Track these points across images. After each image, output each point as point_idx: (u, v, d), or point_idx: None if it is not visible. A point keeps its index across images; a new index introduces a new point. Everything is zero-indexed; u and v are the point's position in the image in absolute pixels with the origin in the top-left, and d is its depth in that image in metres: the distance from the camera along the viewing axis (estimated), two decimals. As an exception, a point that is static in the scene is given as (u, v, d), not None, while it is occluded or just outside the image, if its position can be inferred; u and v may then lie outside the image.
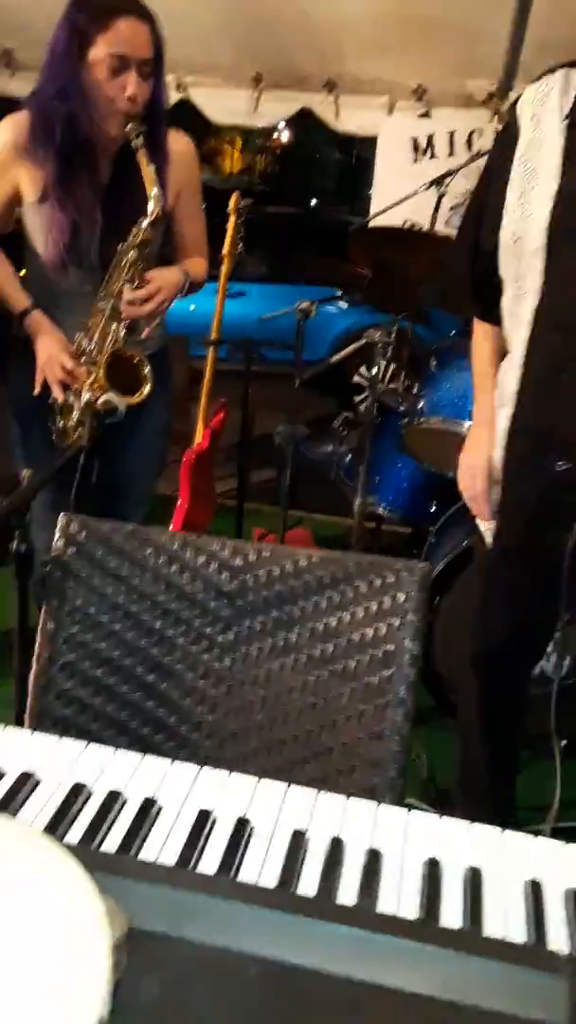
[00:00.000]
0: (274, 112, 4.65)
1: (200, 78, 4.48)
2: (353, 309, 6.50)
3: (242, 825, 0.78)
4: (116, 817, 0.79)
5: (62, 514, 1.14)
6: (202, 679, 1.14)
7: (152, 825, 0.78)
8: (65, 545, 1.14)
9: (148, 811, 0.79)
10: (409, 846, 0.78)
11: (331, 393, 6.61)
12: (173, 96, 4.47)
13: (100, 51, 1.69)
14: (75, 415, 1.89)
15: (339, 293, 3.01)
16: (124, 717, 1.14)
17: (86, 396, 1.83)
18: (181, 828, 0.78)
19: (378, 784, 1.09)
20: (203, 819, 0.78)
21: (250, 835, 0.78)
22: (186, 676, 1.14)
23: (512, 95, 4.10)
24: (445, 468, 2.68)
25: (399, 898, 0.72)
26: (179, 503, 3.04)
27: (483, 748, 1.83)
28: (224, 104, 4.63)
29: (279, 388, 3.75)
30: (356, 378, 6.89)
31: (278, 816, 0.80)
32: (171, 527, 3.07)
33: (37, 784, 0.84)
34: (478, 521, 1.72)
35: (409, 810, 0.84)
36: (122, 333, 1.85)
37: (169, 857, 0.74)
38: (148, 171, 1.73)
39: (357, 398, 6.62)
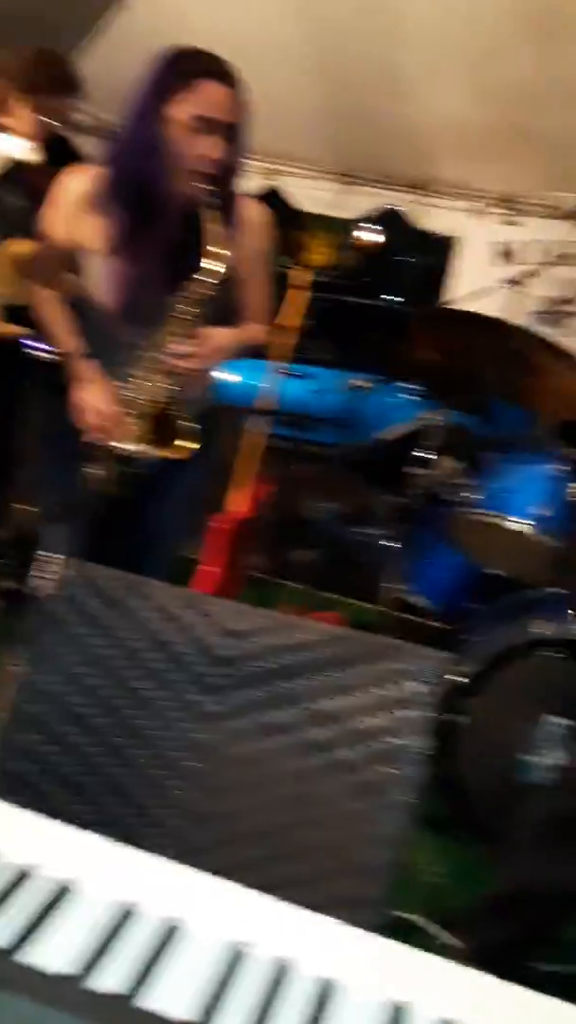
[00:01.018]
0: (360, 206, 4.75)
1: (290, 167, 4.62)
2: (419, 403, 6.47)
3: (170, 931, 0.65)
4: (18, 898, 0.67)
5: (56, 557, 1.08)
6: (181, 751, 1.04)
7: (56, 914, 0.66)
8: (55, 589, 1.06)
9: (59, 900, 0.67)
10: (379, 983, 0.64)
11: (383, 484, 6.52)
12: (262, 183, 4.63)
13: (182, 110, 1.71)
14: (107, 462, 1.86)
15: (396, 380, 2.97)
16: (89, 783, 1.04)
17: (120, 444, 1.80)
18: (93, 924, 0.65)
19: (361, 896, 0.96)
20: (123, 916, 0.66)
21: (173, 943, 0.65)
22: (164, 746, 1.04)
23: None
24: (490, 563, 2.56)
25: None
26: (202, 569, 2.96)
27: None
28: (310, 194, 4.75)
29: (327, 470, 3.70)
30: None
31: (218, 923, 0.68)
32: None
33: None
34: None
35: (388, 935, 0.71)
36: (165, 387, 1.83)
37: (69, 961, 0.61)
38: (212, 230, 1.72)
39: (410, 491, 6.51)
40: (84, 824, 0.96)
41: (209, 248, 1.73)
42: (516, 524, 2.37)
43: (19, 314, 2.62)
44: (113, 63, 4.08)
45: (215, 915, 0.69)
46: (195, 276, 1.77)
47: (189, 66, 1.72)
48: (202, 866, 0.94)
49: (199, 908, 0.70)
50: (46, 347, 3.10)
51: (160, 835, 1.02)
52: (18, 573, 1.12)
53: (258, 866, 0.99)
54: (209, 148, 1.72)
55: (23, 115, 2.46)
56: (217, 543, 2.94)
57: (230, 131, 1.75)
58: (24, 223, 2.62)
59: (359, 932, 0.73)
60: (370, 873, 0.97)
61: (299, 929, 0.72)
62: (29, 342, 3.11)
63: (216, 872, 0.94)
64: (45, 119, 2.45)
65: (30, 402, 2.68)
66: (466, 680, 2.26)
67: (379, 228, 4.46)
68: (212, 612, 1.07)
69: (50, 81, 2.44)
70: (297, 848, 1.00)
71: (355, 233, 4.04)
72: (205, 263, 1.75)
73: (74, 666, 1.06)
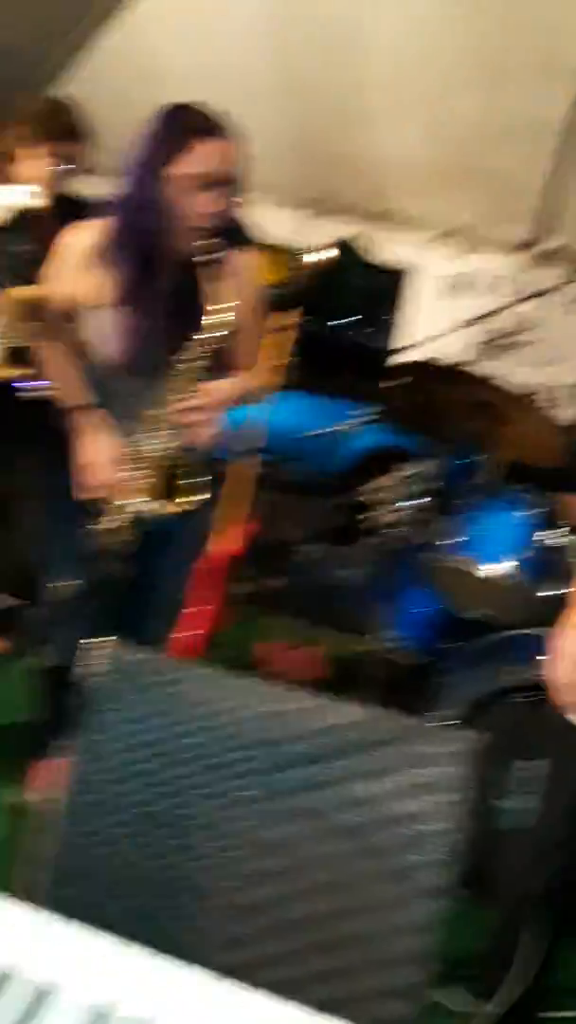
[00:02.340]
0: (317, 236, 4.81)
1: (251, 195, 4.65)
2: (376, 425, 6.54)
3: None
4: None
5: (95, 639, 1.06)
6: (216, 840, 1.03)
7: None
8: (95, 672, 1.05)
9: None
10: None
11: (339, 507, 6.57)
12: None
13: (182, 168, 1.72)
14: (112, 518, 1.85)
15: (374, 415, 3.03)
16: (123, 876, 1.03)
17: (127, 500, 1.79)
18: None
19: (399, 985, 0.97)
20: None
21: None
22: (201, 833, 1.04)
23: (551, 244, 4.26)
24: (465, 607, 2.61)
25: None
26: (191, 609, 2.95)
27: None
28: (270, 223, 4.79)
29: (295, 497, 3.71)
30: (363, 497, 6.86)
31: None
32: (178, 632, 2.98)
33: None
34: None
35: None
36: (172, 441, 1.82)
37: None
38: (215, 287, 1.73)
39: (361, 516, 6.57)
40: (118, 919, 0.96)
41: (213, 303, 1.74)
42: (488, 569, 2.43)
43: (23, 357, 2.62)
44: (89, 101, 4.09)
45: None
46: (199, 332, 1.78)
47: (185, 125, 1.73)
48: (236, 959, 0.94)
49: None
50: (39, 387, 3.08)
51: (194, 929, 1.01)
52: (58, 652, 1.10)
53: (300, 957, 0.99)
54: (208, 203, 1.74)
55: (33, 164, 2.47)
56: (200, 581, 2.94)
57: (228, 184, 1.77)
58: (29, 269, 2.62)
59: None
60: (404, 963, 0.98)
61: None
62: (24, 384, 3.10)
63: (248, 966, 0.94)
64: (55, 167, 2.47)
65: (31, 458, 2.66)
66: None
67: (329, 249, 4.50)
68: (247, 694, 1.07)
69: (60, 129, 2.44)
70: (330, 939, 1.00)
71: (305, 256, 4.09)
72: (209, 319, 1.76)
73: (111, 751, 1.05)
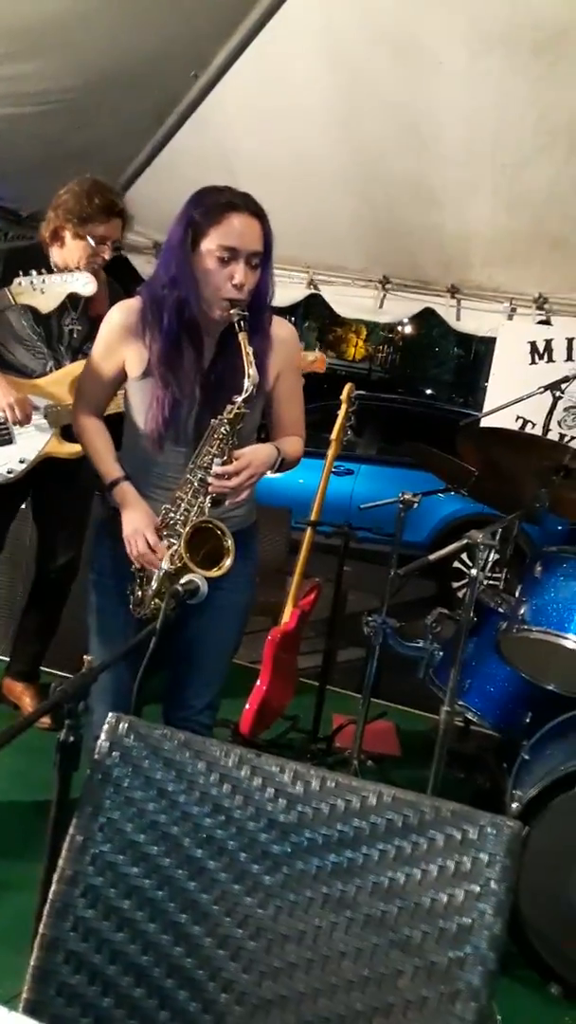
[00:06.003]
0: (397, 311, 4.88)
1: (331, 276, 4.78)
2: (462, 501, 6.47)
3: None
4: None
5: (111, 714, 1.05)
6: (239, 928, 0.98)
7: None
8: (109, 748, 1.03)
9: None
10: None
11: (429, 575, 6.46)
12: (304, 291, 4.79)
13: (212, 242, 1.80)
14: (154, 585, 1.88)
15: (444, 486, 2.98)
16: (144, 962, 0.98)
17: (165, 566, 1.82)
18: None
19: None
20: None
21: None
22: (222, 921, 0.98)
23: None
24: (544, 679, 2.48)
25: None
26: (258, 684, 2.92)
27: None
28: (351, 301, 4.90)
29: (375, 567, 3.67)
30: (457, 564, 6.70)
31: None
32: (247, 706, 2.95)
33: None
34: None
35: None
36: (207, 506, 1.85)
37: None
38: (247, 351, 1.78)
39: (456, 584, 6.43)
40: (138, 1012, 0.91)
41: (245, 368, 1.78)
42: (566, 640, 2.31)
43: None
44: (163, 191, 4.34)
45: None
46: (232, 397, 1.82)
47: (218, 201, 1.82)
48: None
49: None
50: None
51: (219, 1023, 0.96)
52: (71, 726, 1.09)
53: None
54: (238, 275, 1.80)
55: (76, 245, 2.64)
56: (266, 655, 2.91)
57: (259, 258, 1.84)
58: (83, 346, 2.78)
59: None
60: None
61: None
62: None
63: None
64: (96, 245, 2.62)
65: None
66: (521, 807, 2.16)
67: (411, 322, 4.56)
68: (270, 773, 1.03)
69: (99, 210, 2.62)
70: (363, 1039, 0.93)
71: (395, 329, 4.14)
72: (247, 388, 1.80)
73: (130, 832, 1.02)
